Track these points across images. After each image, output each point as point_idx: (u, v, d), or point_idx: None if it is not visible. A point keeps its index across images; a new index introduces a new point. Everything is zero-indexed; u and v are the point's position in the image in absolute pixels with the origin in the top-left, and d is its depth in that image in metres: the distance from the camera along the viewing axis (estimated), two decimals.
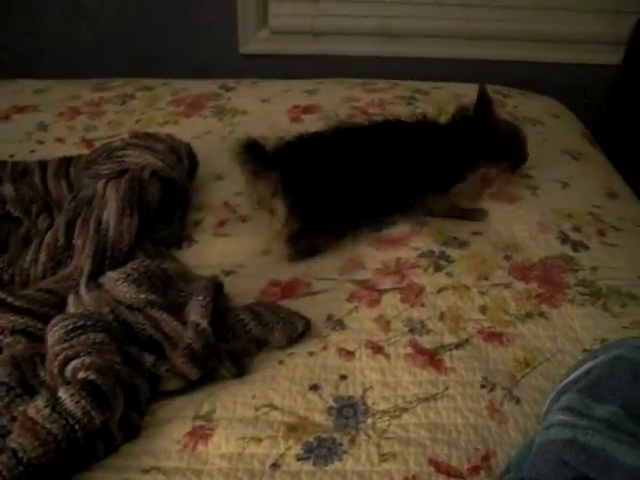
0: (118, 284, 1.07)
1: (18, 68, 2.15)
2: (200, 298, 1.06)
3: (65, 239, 1.24)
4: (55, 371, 0.95)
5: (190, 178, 1.45)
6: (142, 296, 1.05)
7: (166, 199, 1.35)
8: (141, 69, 2.13)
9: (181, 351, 0.99)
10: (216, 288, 1.10)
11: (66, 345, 0.95)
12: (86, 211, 1.26)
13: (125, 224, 1.24)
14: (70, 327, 0.98)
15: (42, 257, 1.22)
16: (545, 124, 1.75)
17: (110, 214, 1.24)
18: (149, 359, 1.00)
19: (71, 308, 1.06)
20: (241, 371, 1.03)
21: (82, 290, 1.09)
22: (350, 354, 1.06)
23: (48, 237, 1.25)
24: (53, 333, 0.99)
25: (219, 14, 2.38)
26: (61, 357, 0.94)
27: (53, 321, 1.01)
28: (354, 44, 2.38)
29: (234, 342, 1.05)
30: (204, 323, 1.02)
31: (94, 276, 1.16)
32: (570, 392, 0.82)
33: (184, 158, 1.44)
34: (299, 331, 1.08)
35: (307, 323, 1.09)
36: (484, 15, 2.31)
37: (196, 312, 1.04)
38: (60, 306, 1.08)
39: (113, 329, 1.02)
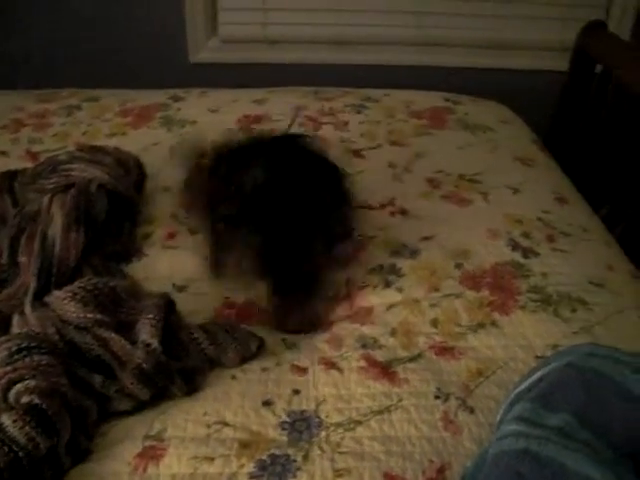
0: (65, 303, 1.04)
1: None
2: (150, 316, 1.03)
3: (9, 257, 1.21)
4: None
5: (138, 191, 1.43)
6: (89, 315, 1.02)
7: (114, 213, 1.32)
8: (90, 79, 2.10)
9: (131, 371, 0.97)
10: (167, 305, 1.08)
11: (9, 368, 0.92)
12: (31, 227, 1.23)
13: (72, 239, 1.21)
14: (14, 349, 0.95)
15: None
16: (495, 130, 1.77)
17: (56, 230, 1.21)
18: (97, 380, 0.98)
19: (16, 328, 1.03)
20: (193, 389, 1.01)
21: (27, 309, 1.06)
22: (303, 370, 1.05)
23: None
24: None
25: (168, 23, 2.36)
26: (4, 381, 0.91)
27: None
28: (305, 52, 2.39)
29: (186, 360, 1.03)
30: (154, 342, 1.00)
31: (40, 294, 1.12)
32: (523, 401, 0.82)
33: (132, 170, 1.41)
34: (253, 351, 1.07)
35: (261, 343, 1.08)
36: (435, 22, 2.34)
37: (146, 331, 1.01)
38: (4, 327, 1.05)
39: (60, 350, 0.99)
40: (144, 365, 0.97)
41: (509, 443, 0.77)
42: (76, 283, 1.08)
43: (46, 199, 1.27)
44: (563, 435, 0.75)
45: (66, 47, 2.38)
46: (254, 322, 1.15)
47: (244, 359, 1.06)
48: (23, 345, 0.95)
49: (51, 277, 1.17)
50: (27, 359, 0.94)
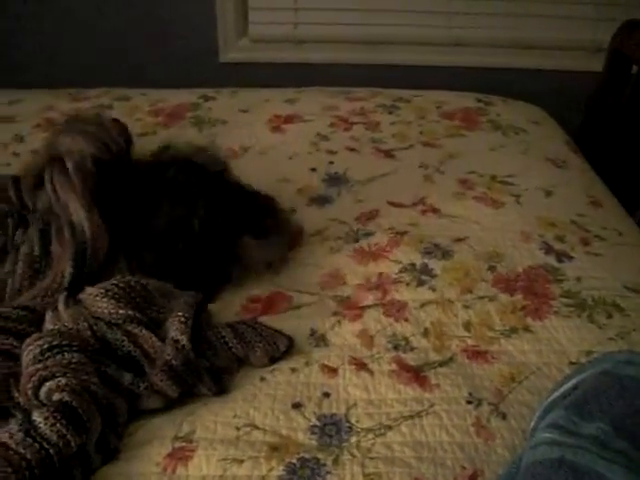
0: (97, 300, 1.04)
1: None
2: (180, 314, 1.03)
3: (41, 248, 1.21)
4: (29, 392, 0.92)
5: (127, 154, 1.40)
6: (121, 312, 1.02)
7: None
8: (119, 78, 2.11)
9: (160, 368, 0.97)
10: (198, 304, 1.08)
11: (40, 365, 0.92)
12: (55, 221, 1.23)
13: (96, 220, 1.21)
14: (45, 346, 0.95)
15: (19, 268, 1.18)
16: (528, 132, 1.74)
17: (79, 215, 1.21)
18: (127, 377, 0.98)
19: (49, 325, 1.03)
20: (222, 389, 1.00)
21: (60, 306, 1.06)
22: (333, 371, 1.04)
23: (24, 248, 1.21)
24: (28, 352, 0.96)
25: (199, 23, 2.36)
26: (35, 378, 0.91)
27: (28, 340, 0.98)
28: (335, 52, 2.38)
29: (215, 359, 1.03)
30: (184, 339, 1.00)
31: (74, 282, 1.14)
32: (557, 409, 0.81)
33: (116, 138, 1.37)
34: (281, 351, 1.06)
35: (289, 342, 1.07)
36: (466, 22, 2.32)
37: (175, 328, 1.01)
38: (37, 323, 1.05)
39: (91, 347, 0.99)
40: (173, 362, 0.97)
41: (543, 452, 0.75)
42: (110, 281, 1.08)
43: (49, 187, 1.26)
44: (599, 444, 0.74)
45: (95, 46, 2.39)
46: (280, 312, 1.16)
47: (273, 359, 1.06)
48: (54, 343, 0.96)
49: (85, 262, 1.17)
50: (58, 357, 0.94)
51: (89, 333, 1.00)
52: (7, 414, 0.93)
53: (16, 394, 0.95)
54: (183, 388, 0.98)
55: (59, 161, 1.29)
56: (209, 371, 1.01)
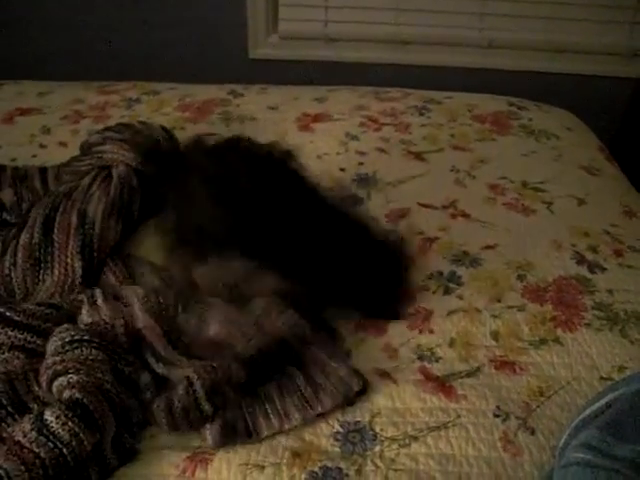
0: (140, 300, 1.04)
1: (24, 70, 2.11)
2: (211, 364, 0.96)
3: (41, 235, 1.19)
4: (44, 385, 0.92)
5: (175, 161, 1.39)
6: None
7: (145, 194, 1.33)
8: (149, 72, 2.10)
9: (163, 399, 0.93)
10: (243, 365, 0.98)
11: (58, 359, 0.92)
12: (65, 204, 1.23)
13: (111, 224, 1.23)
14: (67, 339, 0.95)
15: (19, 258, 1.17)
16: (560, 138, 1.70)
17: (96, 210, 1.22)
18: (144, 379, 0.96)
19: (86, 318, 1.01)
20: (218, 445, 0.92)
21: (99, 301, 1.04)
22: None
23: (23, 237, 1.19)
24: (52, 343, 0.96)
25: (229, 18, 2.35)
26: (50, 372, 0.91)
27: (56, 329, 0.98)
28: (366, 51, 2.36)
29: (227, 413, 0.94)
30: (197, 385, 0.93)
31: (85, 274, 1.16)
32: (589, 428, 0.78)
33: (163, 145, 1.41)
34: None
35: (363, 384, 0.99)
36: (499, 24, 2.28)
37: (198, 365, 0.96)
38: (63, 322, 1.02)
39: (120, 343, 0.99)
40: (176, 403, 0.92)
41: (575, 473, 0.73)
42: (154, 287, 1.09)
43: (87, 179, 1.28)
44: (634, 468, 0.71)
45: (127, 40, 2.39)
46: None
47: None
48: (76, 337, 0.95)
49: (93, 254, 1.17)
50: (76, 351, 0.93)
51: (122, 330, 1.00)
52: (26, 409, 0.92)
53: (36, 388, 0.95)
54: (175, 430, 0.93)
55: (103, 170, 1.29)
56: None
